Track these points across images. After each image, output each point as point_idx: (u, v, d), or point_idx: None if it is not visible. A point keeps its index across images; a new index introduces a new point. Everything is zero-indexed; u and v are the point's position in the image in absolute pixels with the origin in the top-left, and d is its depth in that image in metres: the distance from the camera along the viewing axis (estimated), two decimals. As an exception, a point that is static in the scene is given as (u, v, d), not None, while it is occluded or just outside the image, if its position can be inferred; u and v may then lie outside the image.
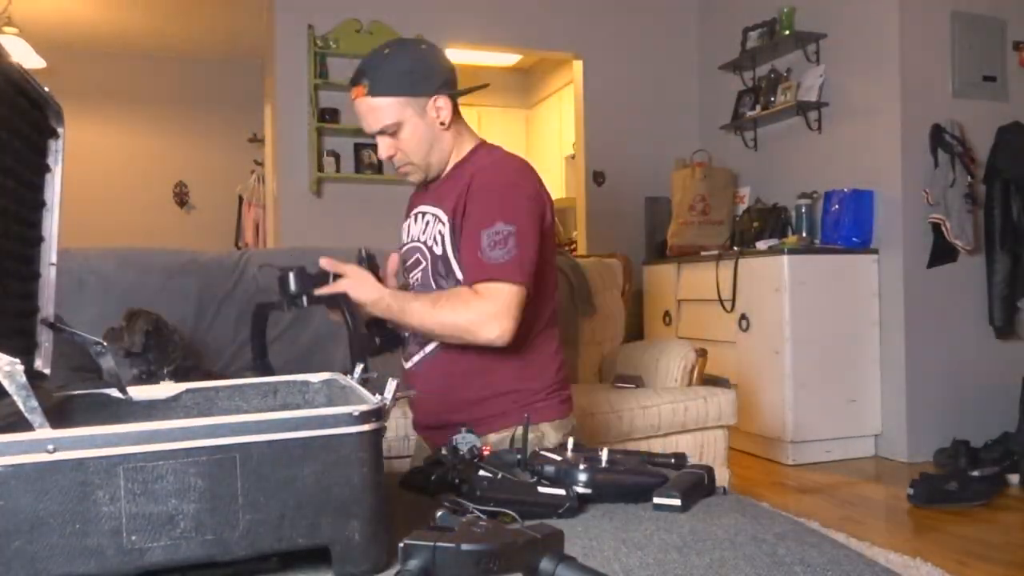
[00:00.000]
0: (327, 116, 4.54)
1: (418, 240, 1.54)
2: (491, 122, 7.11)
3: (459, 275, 1.46)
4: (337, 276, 1.40)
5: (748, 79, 4.77)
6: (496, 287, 1.37)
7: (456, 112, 1.51)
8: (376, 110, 1.44)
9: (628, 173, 5.14)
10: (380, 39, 4.63)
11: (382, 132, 1.46)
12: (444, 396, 1.48)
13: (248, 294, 2.52)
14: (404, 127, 1.45)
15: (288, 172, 4.57)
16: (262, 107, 6.00)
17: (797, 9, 4.28)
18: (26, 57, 4.85)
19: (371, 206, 4.61)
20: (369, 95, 1.43)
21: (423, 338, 1.50)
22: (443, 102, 1.47)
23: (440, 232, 1.48)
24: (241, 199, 6.46)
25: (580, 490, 1.00)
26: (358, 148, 4.66)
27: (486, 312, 1.36)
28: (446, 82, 1.48)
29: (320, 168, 4.52)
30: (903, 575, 2.17)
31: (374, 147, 4.68)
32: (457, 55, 5.20)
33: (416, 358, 1.53)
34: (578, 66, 5.16)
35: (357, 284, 1.39)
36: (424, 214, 1.54)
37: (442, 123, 1.48)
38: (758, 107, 4.57)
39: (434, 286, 1.50)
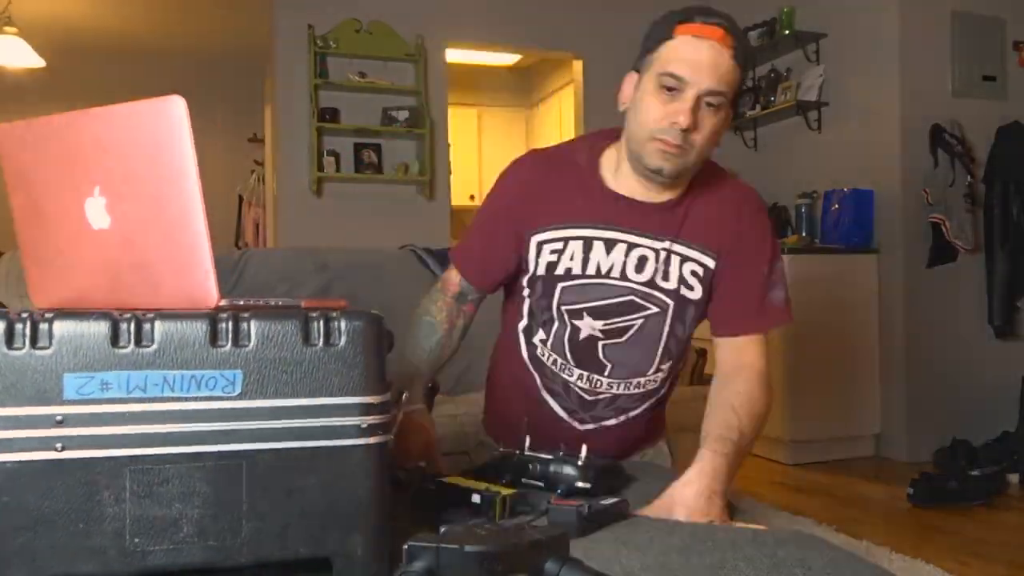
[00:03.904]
0: (327, 116, 4.53)
1: (628, 280, 1.23)
2: (491, 122, 7.10)
3: (690, 323, 1.28)
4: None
5: (748, 79, 4.76)
6: (764, 349, 1.22)
7: None
8: (728, 71, 1.13)
9: (628, 173, 5.13)
10: (380, 39, 4.64)
11: (710, 94, 1.12)
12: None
13: (248, 294, 2.52)
14: (719, 112, 1.15)
15: (288, 172, 4.57)
16: (262, 107, 6.00)
17: (797, 9, 4.28)
18: (26, 57, 4.84)
19: (371, 206, 4.61)
20: (731, 54, 1.14)
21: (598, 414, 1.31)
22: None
23: (696, 273, 1.23)
24: (241, 199, 6.46)
25: (580, 484, 1.02)
26: (358, 148, 4.66)
27: (765, 381, 1.21)
28: None
29: (320, 168, 4.52)
30: (903, 575, 2.17)
31: (374, 147, 4.75)
32: (457, 55, 5.20)
33: (589, 426, 1.33)
34: (578, 66, 5.16)
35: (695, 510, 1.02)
36: (638, 246, 1.23)
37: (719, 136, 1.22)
38: (758, 107, 4.57)
39: (663, 339, 1.26)
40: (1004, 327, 3.76)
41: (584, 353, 1.27)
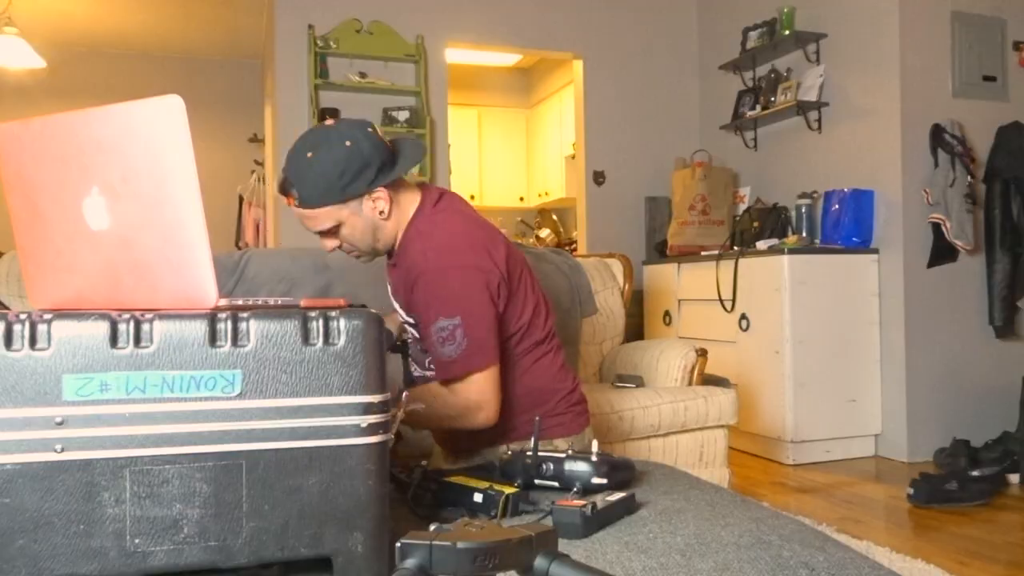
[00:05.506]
0: (327, 116, 4.53)
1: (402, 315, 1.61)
2: (491, 122, 7.10)
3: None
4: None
5: (748, 79, 4.77)
6: (461, 385, 1.38)
7: (397, 188, 1.46)
8: (311, 218, 1.41)
9: (628, 173, 5.14)
10: (380, 39, 4.64)
11: (322, 234, 1.45)
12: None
13: (248, 294, 2.52)
14: (343, 227, 1.43)
15: (288, 172, 4.56)
16: (262, 107, 6.00)
17: (797, 9, 4.28)
18: (26, 57, 4.84)
19: (371, 206, 4.61)
20: (300, 207, 1.39)
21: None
22: (380, 193, 1.41)
23: (408, 322, 1.57)
24: (241, 199, 6.46)
25: (596, 481, 1.02)
26: (358, 148, 4.65)
27: (462, 406, 1.39)
28: (381, 167, 1.39)
29: (320, 168, 4.50)
30: (903, 575, 2.17)
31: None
32: (457, 55, 5.20)
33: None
34: (578, 66, 5.16)
35: None
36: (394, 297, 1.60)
37: (381, 213, 1.43)
38: (758, 107, 4.57)
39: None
40: (1004, 327, 3.76)
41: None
